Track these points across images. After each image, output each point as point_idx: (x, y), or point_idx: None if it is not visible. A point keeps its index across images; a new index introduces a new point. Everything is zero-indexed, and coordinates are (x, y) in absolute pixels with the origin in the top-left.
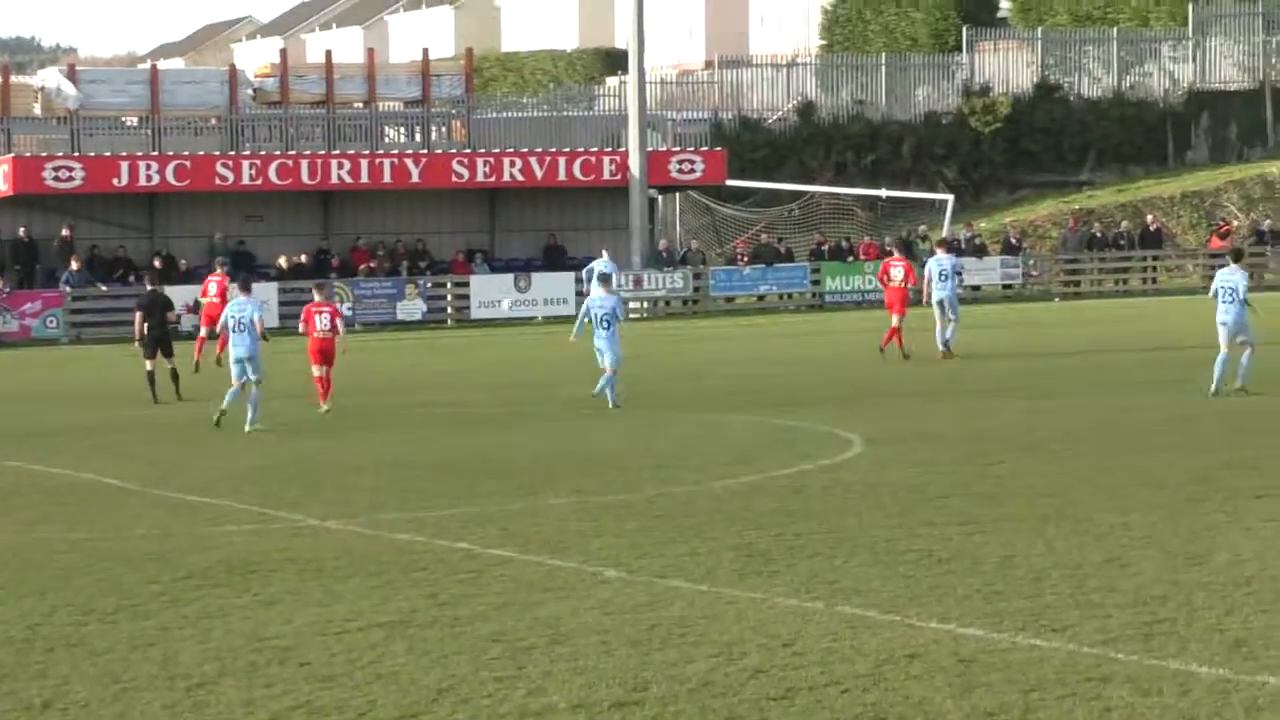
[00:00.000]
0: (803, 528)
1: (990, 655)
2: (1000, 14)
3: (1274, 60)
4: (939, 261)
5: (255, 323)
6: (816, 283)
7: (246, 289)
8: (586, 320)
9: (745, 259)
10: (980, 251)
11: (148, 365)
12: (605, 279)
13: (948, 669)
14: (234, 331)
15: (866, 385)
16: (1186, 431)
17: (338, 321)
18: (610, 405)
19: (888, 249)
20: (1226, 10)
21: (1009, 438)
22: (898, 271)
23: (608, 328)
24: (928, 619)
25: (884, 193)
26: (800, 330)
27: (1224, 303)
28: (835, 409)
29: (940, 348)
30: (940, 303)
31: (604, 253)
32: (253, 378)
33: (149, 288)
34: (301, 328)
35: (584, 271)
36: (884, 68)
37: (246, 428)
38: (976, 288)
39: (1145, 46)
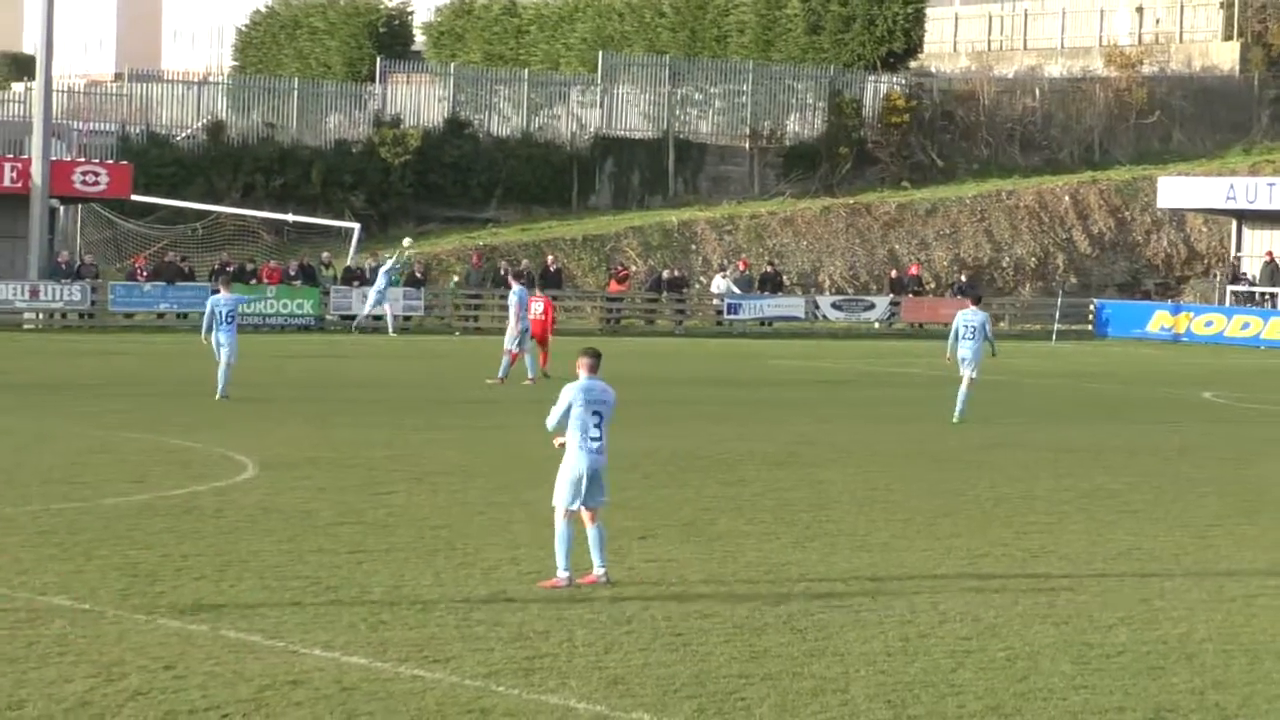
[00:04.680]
0: (191, 549)
1: (373, 684)
2: (415, 47)
3: (678, 111)
4: (520, 293)
5: None
6: None
7: None
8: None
9: (145, 275)
10: None
11: None
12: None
13: (330, 697)
14: None
15: (264, 408)
16: None
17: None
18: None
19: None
20: (634, 60)
21: (402, 467)
22: (538, 305)
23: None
24: (312, 646)
25: (290, 217)
26: (203, 350)
27: (965, 339)
28: (232, 431)
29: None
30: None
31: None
32: None
33: None
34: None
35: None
36: (296, 92)
37: None
38: (379, 318)
39: (555, 90)
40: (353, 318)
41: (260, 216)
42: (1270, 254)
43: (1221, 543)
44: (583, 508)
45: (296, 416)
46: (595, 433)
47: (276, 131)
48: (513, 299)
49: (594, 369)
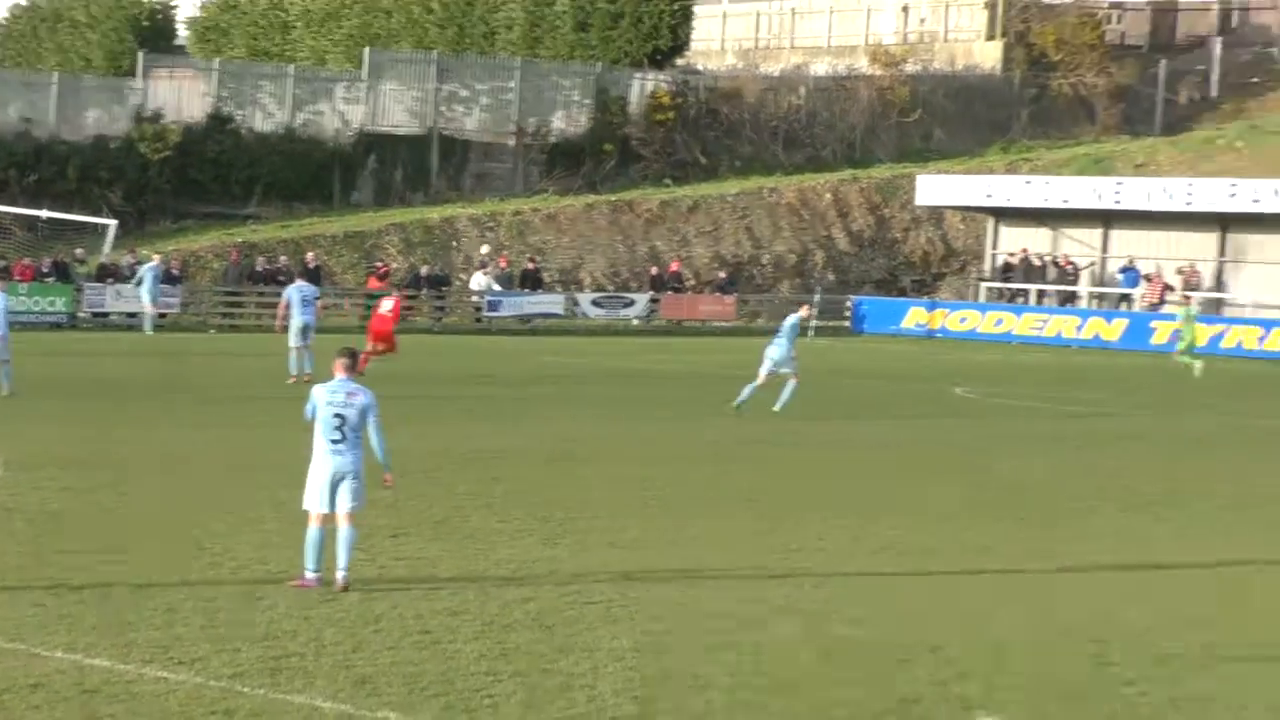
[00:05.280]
0: None
1: (115, 686)
2: (179, 41)
3: (443, 108)
4: (299, 289)
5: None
6: None
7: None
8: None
9: None
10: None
11: None
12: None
13: (70, 700)
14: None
15: (12, 407)
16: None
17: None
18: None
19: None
20: (401, 56)
21: (151, 466)
22: (389, 303)
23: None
24: (54, 648)
25: (44, 213)
26: None
27: (776, 340)
28: None
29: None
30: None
31: None
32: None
33: None
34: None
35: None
36: (55, 86)
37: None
38: (134, 315)
39: (320, 86)
40: (106, 315)
41: (13, 213)
42: (1025, 251)
43: (969, 537)
44: (335, 511)
45: (45, 415)
46: (336, 435)
47: (33, 126)
48: (283, 294)
49: (349, 369)
